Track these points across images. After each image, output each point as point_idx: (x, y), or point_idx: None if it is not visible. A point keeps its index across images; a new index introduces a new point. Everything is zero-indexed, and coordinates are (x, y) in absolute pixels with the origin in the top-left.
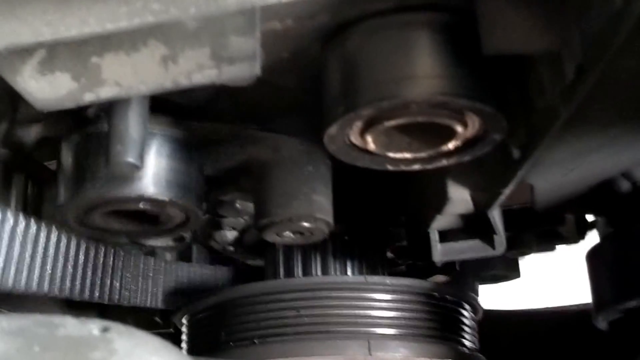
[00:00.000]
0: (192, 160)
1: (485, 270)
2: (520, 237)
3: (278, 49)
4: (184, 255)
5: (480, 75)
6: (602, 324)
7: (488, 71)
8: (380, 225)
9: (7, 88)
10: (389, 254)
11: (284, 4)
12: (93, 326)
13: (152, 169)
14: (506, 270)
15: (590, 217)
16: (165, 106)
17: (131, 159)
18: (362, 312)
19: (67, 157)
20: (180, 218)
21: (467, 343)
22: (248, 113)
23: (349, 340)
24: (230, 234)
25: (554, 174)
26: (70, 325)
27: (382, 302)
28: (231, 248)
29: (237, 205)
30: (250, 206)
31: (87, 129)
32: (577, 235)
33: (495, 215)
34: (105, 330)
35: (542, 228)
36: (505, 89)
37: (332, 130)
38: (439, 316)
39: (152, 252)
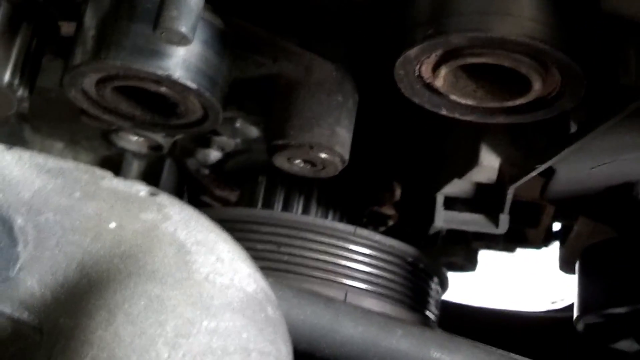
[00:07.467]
0: (224, 57)
1: (445, 255)
2: None
3: None
4: (154, 169)
5: (576, 34)
6: (580, 325)
7: (583, 33)
8: (373, 181)
9: None
10: (385, 211)
11: None
12: (140, 187)
13: (185, 51)
14: (465, 260)
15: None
16: None
17: (184, 28)
18: (343, 261)
19: (91, 18)
20: (198, 114)
21: (432, 317)
22: (293, 25)
23: (326, 287)
24: (215, 155)
25: (584, 165)
26: (115, 180)
27: (366, 256)
28: (206, 171)
29: (237, 124)
30: (250, 129)
31: None
32: (542, 242)
33: (510, 194)
34: (153, 194)
35: (513, 226)
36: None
37: (412, 52)
38: (417, 285)
39: None
